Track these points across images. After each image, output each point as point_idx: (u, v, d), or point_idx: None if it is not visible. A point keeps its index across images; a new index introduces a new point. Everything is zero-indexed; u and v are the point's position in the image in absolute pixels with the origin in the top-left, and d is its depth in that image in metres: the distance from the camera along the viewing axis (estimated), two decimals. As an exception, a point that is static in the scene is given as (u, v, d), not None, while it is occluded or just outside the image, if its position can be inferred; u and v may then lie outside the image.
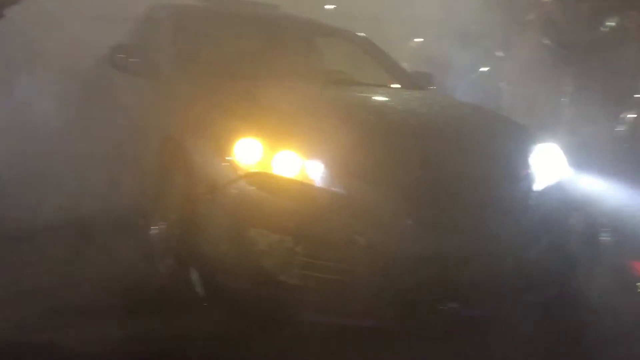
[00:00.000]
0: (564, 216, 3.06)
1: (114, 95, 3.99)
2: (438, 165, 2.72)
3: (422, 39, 6.88)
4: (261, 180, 2.55)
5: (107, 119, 4.00)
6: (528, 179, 2.88)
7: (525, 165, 2.91)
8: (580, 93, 4.70)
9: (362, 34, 4.39)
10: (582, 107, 4.65)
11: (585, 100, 4.66)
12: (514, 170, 2.88)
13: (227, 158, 2.60)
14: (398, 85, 4.03)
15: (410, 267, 2.49)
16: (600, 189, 4.06)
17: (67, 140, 4.46)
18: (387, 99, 3.56)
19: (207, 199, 2.61)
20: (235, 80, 3.23)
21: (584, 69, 4.66)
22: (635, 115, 4.41)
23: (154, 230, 3.06)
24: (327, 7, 7.57)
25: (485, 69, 5.88)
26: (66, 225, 3.37)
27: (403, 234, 2.50)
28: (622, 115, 4.41)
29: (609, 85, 4.77)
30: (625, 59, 4.75)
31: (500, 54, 5.90)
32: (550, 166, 2.99)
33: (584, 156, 3.95)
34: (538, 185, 2.89)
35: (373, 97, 3.51)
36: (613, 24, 4.41)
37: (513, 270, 2.68)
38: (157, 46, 3.71)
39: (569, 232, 3.17)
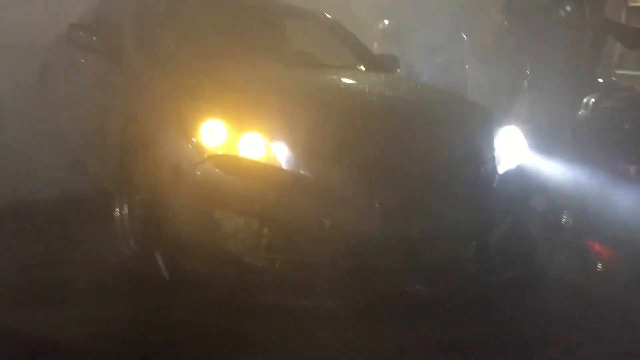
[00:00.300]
0: (525, 198, 3.11)
1: (75, 75, 3.91)
2: (403, 147, 2.73)
3: (388, 21, 6.88)
4: (226, 163, 2.53)
5: (69, 99, 3.93)
6: (491, 161, 2.91)
7: (488, 148, 2.95)
8: (541, 76, 4.76)
9: (329, 16, 4.36)
10: (543, 91, 4.71)
11: (546, 84, 4.72)
12: (477, 153, 2.91)
13: (191, 140, 2.57)
14: (365, 68, 4.03)
15: (375, 249, 2.51)
16: (560, 172, 4.14)
17: (27, 121, 4.38)
18: (353, 81, 3.55)
19: (171, 181, 2.57)
20: (199, 61, 3.19)
21: (545, 52, 4.71)
22: (595, 100, 4.49)
23: (117, 212, 3.02)
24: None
25: (451, 51, 5.92)
26: (28, 207, 3.31)
27: (368, 216, 2.51)
28: (584, 100, 4.49)
29: (569, 69, 4.84)
30: (585, 44, 4.82)
31: (464, 36, 5.94)
32: (511, 149, 3.03)
33: (545, 139, 4.03)
34: (500, 168, 2.93)
35: (339, 80, 3.50)
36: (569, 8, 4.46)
37: (476, 252, 2.72)
38: (119, 25, 3.63)
39: (530, 214, 3.24)
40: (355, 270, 2.52)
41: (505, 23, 4.89)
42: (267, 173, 2.53)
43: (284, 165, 2.54)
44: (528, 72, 4.58)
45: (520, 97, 4.63)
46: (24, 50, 4.79)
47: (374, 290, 2.53)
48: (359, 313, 2.51)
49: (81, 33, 3.44)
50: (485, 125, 3.08)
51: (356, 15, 6.45)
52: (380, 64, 4.06)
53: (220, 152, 2.54)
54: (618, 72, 6.64)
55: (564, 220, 4.28)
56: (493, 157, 2.91)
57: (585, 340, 2.63)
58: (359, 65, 4.06)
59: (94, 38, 3.41)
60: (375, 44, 5.98)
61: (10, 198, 3.36)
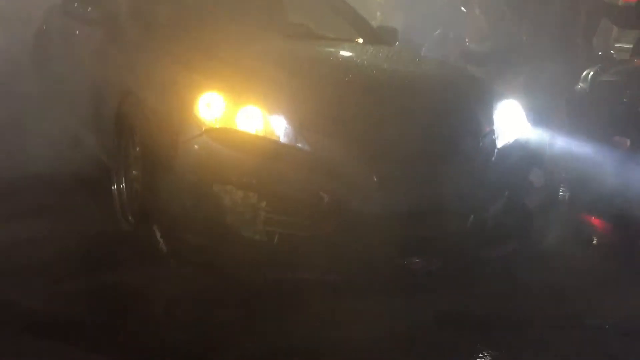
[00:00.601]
0: (523, 172, 3.11)
1: (70, 46, 3.86)
2: (402, 121, 2.72)
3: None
4: (224, 136, 2.52)
5: (64, 72, 3.88)
6: (489, 135, 2.90)
7: (487, 121, 2.94)
8: (540, 50, 4.74)
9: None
10: (542, 64, 4.70)
11: (545, 57, 4.71)
12: (475, 126, 2.90)
13: (189, 113, 2.55)
14: (364, 41, 3.99)
15: (373, 222, 2.51)
16: (558, 146, 4.14)
17: (21, 95, 4.34)
18: (352, 54, 3.52)
19: (169, 154, 2.56)
20: (196, 33, 3.15)
21: (541, 23, 4.68)
22: (594, 73, 4.47)
23: (115, 186, 3.01)
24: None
25: (449, 24, 5.88)
26: (25, 180, 3.30)
27: (366, 189, 2.51)
28: (583, 73, 4.47)
29: (568, 42, 4.82)
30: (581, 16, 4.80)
31: (463, 9, 5.89)
32: (510, 122, 3.02)
33: (541, 112, 4.02)
34: (499, 141, 2.92)
35: (338, 52, 3.47)
36: None
37: (473, 225, 2.73)
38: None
39: (528, 187, 3.24)
40: (353, 243, 2.53)
41: None
42: (265, 146, 2.52)
43: (282, 139, 2.53)
44: (528, 44, 4.56)
45: (517, 69, 4.61)
46: (18, 21, 4.73)
47: (371, 264, 2.54)
48: (357, 286, 2.52)
49: (76, 4, 3.40)
50: (484, 98, 3.06)
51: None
52: (379, 36, 4.02)
53: (218, 125, 2.52)
54: (617, 45, 6.60)
55: (560, 193, 4.29)
56: (492, 131, 2.90)
57: (580, 313, 2.65)
58: (358, 38, 4.02)
59: (89, 9, 3.36)
60: (379, 14, 5.93)
61: (5, 173, 3.35)
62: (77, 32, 3.74)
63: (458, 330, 2.44)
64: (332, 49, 3.51)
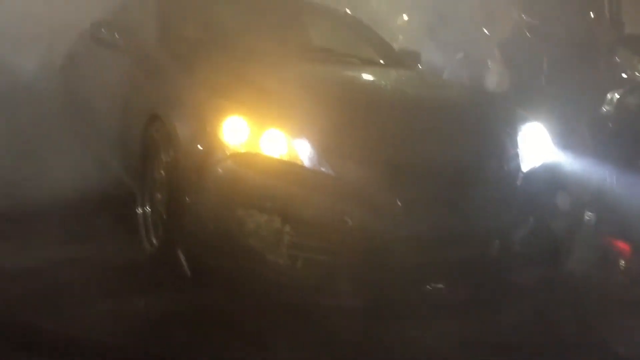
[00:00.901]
0: (549, 196, 3.08)
1: (98, 71, 3.93)
2: (426, 145, 2.72)
3: (407, 17, 6.85)
4: (248, 160, 2.53)
5: (92, 96, 3.95)
6: (515, 159, 2.88)
7: (512, 145, 2.92)
8: (564, 71, 4.71)
9: (350, 12, 4.35)
10: (567, 86, 4.67)
11: (570, 80, 4.67)
12: (501, 149, 2.88)
13: (213, 137, 2.57)
14: (386, 64, 4.00)
15: (397, 247, 2.50)
16: (585, 169, 4.09)
17: (51, 119, 4.41)
18: (375, 77, 3.54)
19: (193, 178, 2.58)
20: (222, 58, 3.19)
21: (567, 46, 4.66)
22: (619, 96, 4.42)
23: (139, 209, 3.03)
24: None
25: (472, 47, 5.87)
26: (50, 204, 3.33)
27: (391, 214, 2.50)
28: (608, 96, 4.43)
29: (593, 65, 4.79)
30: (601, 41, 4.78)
31: (486, 31, 5.89)
32: (536, 146, 3.00)
33: (569, 136, 3.98)
34: (524, 165, 2.90)
35: (361, 76, 3.49)
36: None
37: (499, 250, 2.70)
38: (141, 21, 3.65)
39: (554, 212, 3.20)
40: (377, 268, 2.51)
41: (525, 18, 4.86)
42: (289, 170, 2.53)
43: (306, 163, 2.53)
44: (552, 67, 4.54)
45: (546, 92, 4.58)
46: (48, 46, 4.82)
47: (395, 289, 2.52)
48: (381, 312, 2.50)
49: (103, 30, 3.46)
50: (509, 121, 3.05)
51: (376, 11, 6.43)
52: (401, 59, 4.03)
53: (242, 150, 2.54)
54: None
55: (586, 218, 4.23)
56: (517, 154, 2.88)
57: (607, 341, 2.60)
58: (380, 61, 4.04)
59: (116, 35, 3.42)
60: (401, 37, 5.95)
61: (31, 194, 3.38)
62: (104, 56, 3.80)
63: (483, 357, 2.40)
64: (355, 73, 3.53)
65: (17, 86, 4.61)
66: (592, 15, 4.78)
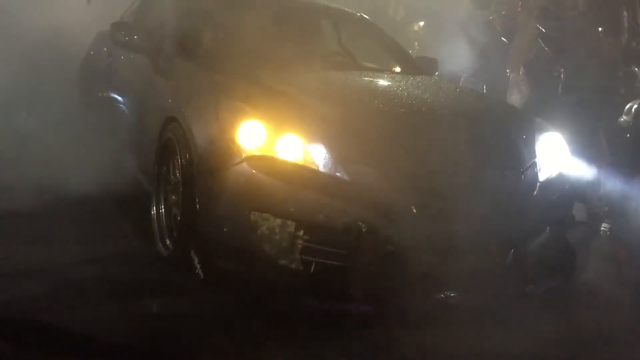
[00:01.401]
0: (565, 206, 3.05)
1: (116, 72, 3.96)
2: (442, 152, 2.70)
3: (422, 23, 6.85)
4: (264, 164, 2.53)
5: (108, 96, 3.97)
6: (531, 168, 2.86)
7: (529, 154, 2.90)
8: (581, 82, 4.67)
9: (367, 17, 4.34)
10: (585, 97, 4.63)
11: (587, 90, 4.64)
12: (517, 159, 2.86)
13: (229, 140, 2.57)
14: (403, 71, 4.00)
15: (411, 254, 2.48)
16: (601, 180, 4.06)
17: (67, 118, 4.44)
18: (392, 84, 3.52)
19: (208, 181, 2.59)
20: (240, 62, 3.19)
21: (583, 57, 4.63)
22: (638, 106, 4.39)
23: (154, 211, 3.04)
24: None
25: (489, 55, 5.85)
26: (66, 204, 3.35)
27: (405, 220, 2.49)
28: (627, 106, 4.39)
29: (610, 74, 4.75)
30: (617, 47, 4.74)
31: (505, 40, 5.87)
32: (553, 155, 2.98)
33: (586, 146, 3.95)
34: (541, 174, 2.87)
35: (378, 82, 3.48)
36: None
37: (514, 260, 2.68)
38: (159, 24, 3.67)
39: (570, 222, 3.17)
40: (390, 275, 2.50)
41: (541, 29, 4.84)
42: (304, 175, 2.52)
43: (321, 168, 2.53)
44: (569, 77, 4.51)
45: (562, 103, 4.54)
46: (66, 48, 4.86)
47: (408, 296, 2.50)
48: (393, 318, 2.49)
49: (122, 32, 3.48)
50: (526, 130, 3.02)
51: (392, 17, 6.43)
52: (418, 66, 4.02)
53: (258, 153, 2.54)
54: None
55: (603, 229, 4.19)
56: (534, 164, 2.86)
57: (624, 353, 2.57)
58: (398, 68, 4.03)
59: (135, 37, 3.45)
60: (417, 44, 5.94)
61: (49, 194, 3.41)
62: (123, 58, 3.83)
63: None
64: (372, 79, 3.52)
65: (36, 88, 4.67)
66: (610, 27, 4.75)
